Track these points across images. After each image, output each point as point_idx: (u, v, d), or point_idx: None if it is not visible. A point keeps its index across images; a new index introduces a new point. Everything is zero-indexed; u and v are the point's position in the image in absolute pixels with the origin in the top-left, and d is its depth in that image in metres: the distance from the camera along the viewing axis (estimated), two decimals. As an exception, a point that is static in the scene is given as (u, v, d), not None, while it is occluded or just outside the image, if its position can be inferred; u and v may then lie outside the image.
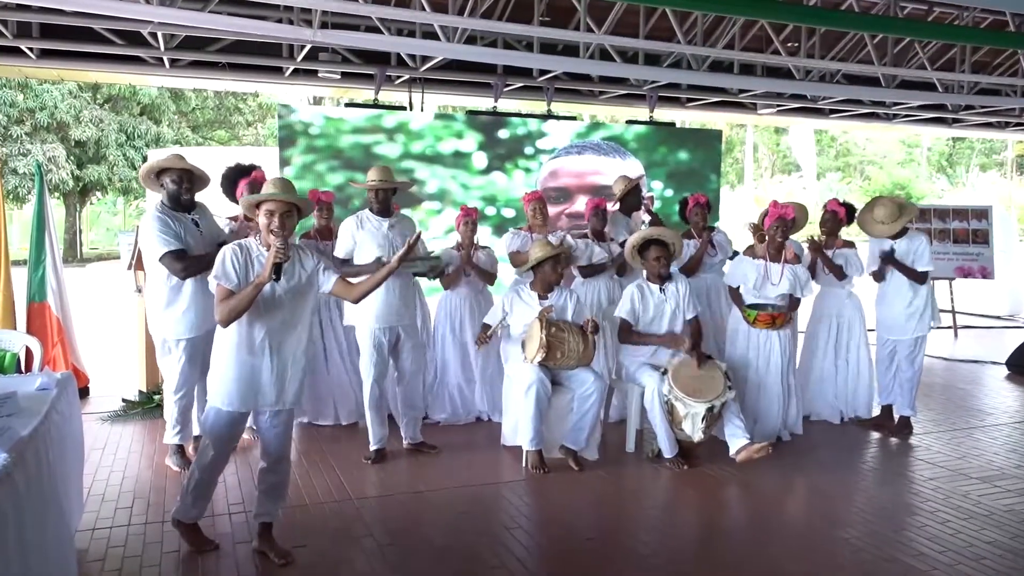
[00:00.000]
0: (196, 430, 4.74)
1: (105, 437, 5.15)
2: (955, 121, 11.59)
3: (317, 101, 20.10)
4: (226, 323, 3.21)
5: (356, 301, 3.57)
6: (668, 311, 5.06)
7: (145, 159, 21.14)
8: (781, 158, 37.75)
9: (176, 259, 4.22)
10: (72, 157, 22.65)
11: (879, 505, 4.27)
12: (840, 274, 5.65)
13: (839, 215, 5.70)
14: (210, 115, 26.12)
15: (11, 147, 20.69)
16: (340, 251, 4.82)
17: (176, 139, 23.92)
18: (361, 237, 4.73)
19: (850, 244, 5.78)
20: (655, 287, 5.08)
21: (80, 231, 26.13)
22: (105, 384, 6.41)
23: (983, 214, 10.43)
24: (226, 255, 3.25)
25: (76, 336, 6.33)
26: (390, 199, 4.85)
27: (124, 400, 5.86)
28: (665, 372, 4.82)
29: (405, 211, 5.46)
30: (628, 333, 5.05)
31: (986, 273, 10.23)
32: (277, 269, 3.16)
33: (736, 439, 4.74)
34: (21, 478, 2.35)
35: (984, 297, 12.32)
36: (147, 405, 5.74)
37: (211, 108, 25.84)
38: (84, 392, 6.16)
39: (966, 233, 10.35)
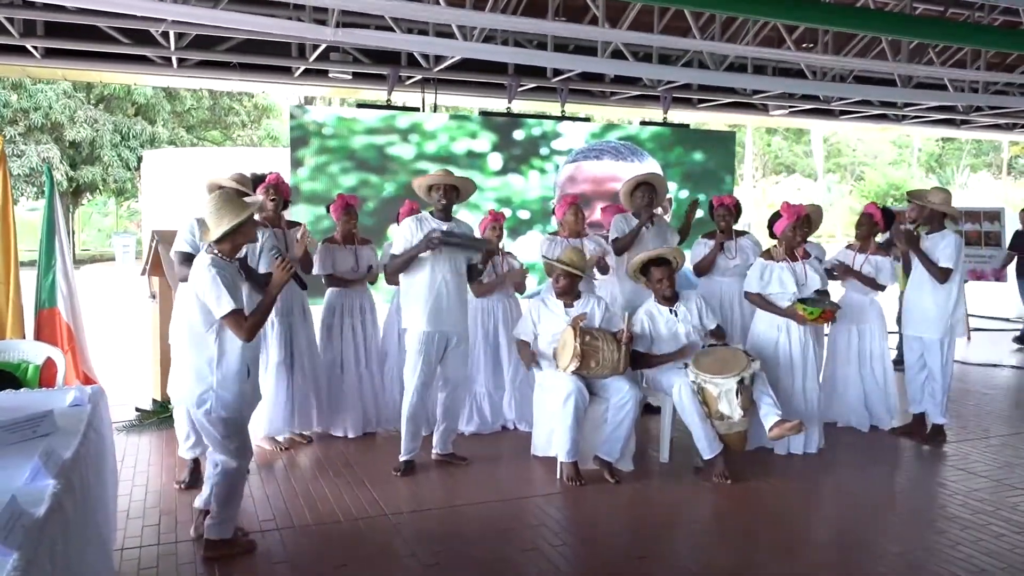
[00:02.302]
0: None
1: (123, 449, 4.97)
2: (963, 122, 11.55)
3: (308, 101, 19.89)
4: (252, 337, 3.28)
5: (246, 338, 3.29)
6: (682, 332, 4.91)
7: (140, 160, 20.90)
8: (773, 159, 37.78)
9: (181, 261, 4.23)
10: (66, 158, 22.37)
11: (929, 519, 4.16)
12: (875, 285, 5.53)
13: (875, 218, 5.58)
14: (205, 115, 25.86)
15: (5, 148, 20.42)
16: (397, 249, 4.60)
17: (171, 139, 23.67)
18: (419, 239, 4.52)
19: (885, 251, 5.66)
20: (665, 309, 4.94)
21: (72, 232, 25.82)
22: (116, 392, 6.20)
23: (995, 216, 10.37)
24: (222, 282, 3.17)
25: (87, 343, 6.15)
26: (454, 200, 4.65)
27: (138, 409, 5.70)
28: (687, 364, 4.73)
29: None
30: (644, 358, 4.90)
31: (999, 276, 10.17)
32: (299, 278, 3.61)
33: (769, 417, 4.64)
34: (69, 504, 2.21)
35: (993, 299, 12.25)
36: (162, 415, 5.58)
37: (206, 108, 25.58)
38: (96, 401, 5.98)
39: (979, 236, 10.28)
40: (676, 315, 4.92)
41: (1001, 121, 11.61)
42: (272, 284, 3.33)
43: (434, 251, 4.44)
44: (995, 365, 8.37)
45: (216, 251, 3.27)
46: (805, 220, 5.12)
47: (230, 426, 3.34)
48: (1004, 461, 5.06)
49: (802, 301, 4.95)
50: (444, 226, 4.56)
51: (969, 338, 9.99)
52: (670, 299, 4.95)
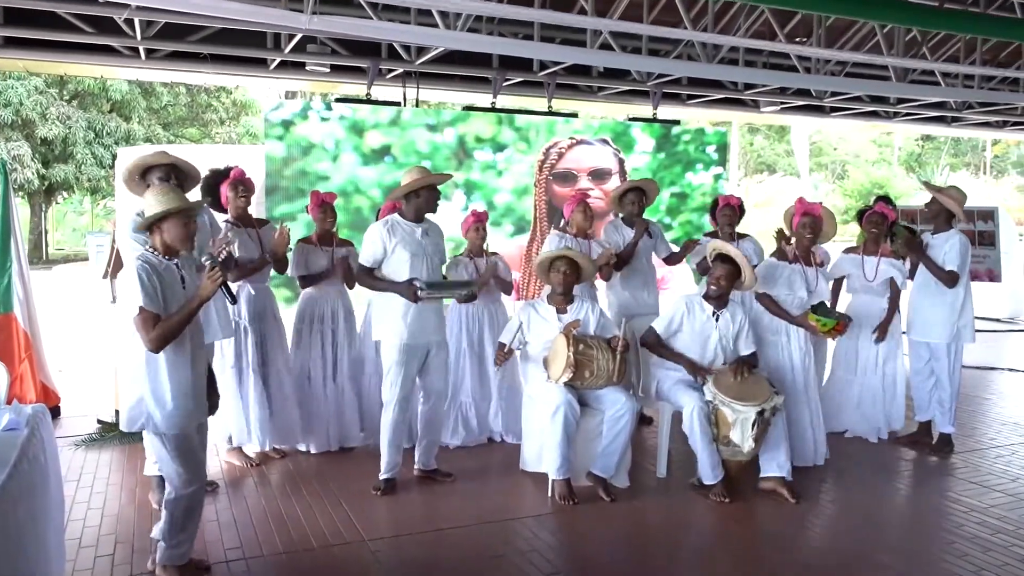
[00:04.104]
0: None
1: (80, 466, 4.62)
2: (955, 120, 11.37)
3: (291, 96, 19.45)
4: (160, 348, 2.93)
5: (152, 347, 2.93)
6: (713, 339, 4.53)
7: (115, 157, 20.34)
8: (755, 158, 37.67)
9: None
10: (38, 155, 21.77)
11: (947, 540, 3.88)
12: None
13: (890, 218, 5.30)
14: (182, 112, 25.29)
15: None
16: (366, 258, 4.25)
17: (147, 136, 23.09)
18: (393, 244, 4.17)
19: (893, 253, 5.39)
20: (709, 308, 4.57)
21: (45, 232, 25.22)
22: (78, 404, 5.85)
23: (989, 215, 10.18)
24: (142, 277, 2.89)
25: (45, 350, 5.78)
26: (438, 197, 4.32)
27: (100, 422, 5.34)
28: (705, 382, 4.39)
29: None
30: (653, 343, 4.61)
31: (993, 276, 9.99)
32: (228, 289, 3.11)
33: (771, 469, 4.40)
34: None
35: (984, 299, 12.05)
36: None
37: (183, 105, 25.02)
38: (55, 413, 5.59)
39: (972, 235, 10.05)
40: (716, 320, 4.58)
41: (992, 119, 11.43)
42: (197, 295, 2.97)
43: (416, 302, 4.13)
44: (992, 368, 8.15)
45: (151, 247, 3.00)
46: (813, 221, 4.82)
47: (171, 443, 3.03)
48: (1017, 473, 4.81)
49: (814, 311, 4.65)
50: (418, 231, 4.24)
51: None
52: (718, 301, 4.57)
